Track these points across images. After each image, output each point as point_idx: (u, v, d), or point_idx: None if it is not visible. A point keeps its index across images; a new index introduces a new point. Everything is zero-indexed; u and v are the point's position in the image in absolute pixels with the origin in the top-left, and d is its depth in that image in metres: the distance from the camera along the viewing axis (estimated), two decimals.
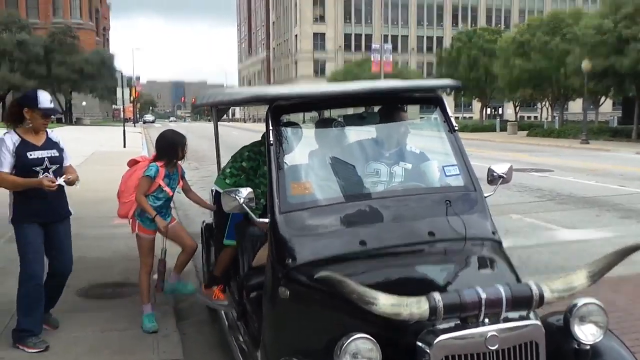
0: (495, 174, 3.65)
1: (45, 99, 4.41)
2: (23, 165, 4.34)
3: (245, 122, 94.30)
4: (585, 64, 30.25)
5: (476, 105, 68.91)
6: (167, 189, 4.75)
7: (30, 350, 4.38)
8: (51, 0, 68.99)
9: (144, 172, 4.67)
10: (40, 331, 4.52)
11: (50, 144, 4.51)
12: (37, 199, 4.38)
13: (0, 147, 4.31)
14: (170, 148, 4.76)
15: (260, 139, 4.49)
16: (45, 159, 4.42)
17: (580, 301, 2.66)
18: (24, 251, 4.44)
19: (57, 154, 4.51)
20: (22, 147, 4.35)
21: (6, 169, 4.30)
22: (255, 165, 4.39)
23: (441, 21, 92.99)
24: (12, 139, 4.35)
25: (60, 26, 62.93)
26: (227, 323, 4.14)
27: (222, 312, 4.32)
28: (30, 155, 4.37)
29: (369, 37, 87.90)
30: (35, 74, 53.27)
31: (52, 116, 4.81)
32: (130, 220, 4.90)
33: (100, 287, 5.93)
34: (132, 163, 5.02)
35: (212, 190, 4.73)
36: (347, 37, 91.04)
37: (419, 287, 2.57)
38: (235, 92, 4.41)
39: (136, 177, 4.76)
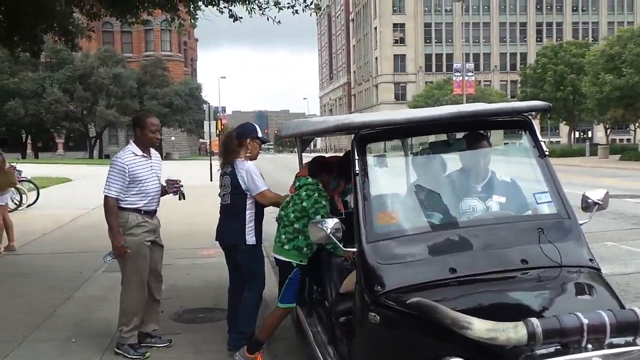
0: (590, 200, 3.53)
1: (259, 129, 4.97)
2: None
3: (327, 152, 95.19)
4: None
5: (563, 128, 66.50)
6: None
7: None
8: (143, 35, 72.47)
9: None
10: None
11: None
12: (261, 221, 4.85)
13: (256, 173, 4.71)
14: None
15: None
16: None
17: None
18: (261, 268, 4.91)
19: None
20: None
21: (268, 186, 4.76)
22: (306, 221, 4.26)
23: (525, 37, 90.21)
24: (254, 164, 4.82)
25: (152, 58, 66.14)
26: (316, 346, 4.19)
27: (312, 336, 4.38)
28: None
29: (449, 57, 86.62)
30: (130, 109, 56.14)
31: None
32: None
33: (193, 312, 6.15)
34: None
35: (274, 259, 4.66)
36: (427, 57, 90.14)
37: (515, 312, 2.54)
38: (319, 122, 4.45)
39: None
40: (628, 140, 66.48)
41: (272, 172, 23.89)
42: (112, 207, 4.76)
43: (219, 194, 5.03)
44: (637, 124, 47.06)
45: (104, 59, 58.30)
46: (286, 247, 4.38)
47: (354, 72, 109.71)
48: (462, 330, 2.35)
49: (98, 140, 62.86)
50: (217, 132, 36.93)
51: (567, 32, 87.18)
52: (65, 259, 9.00)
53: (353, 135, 3.48)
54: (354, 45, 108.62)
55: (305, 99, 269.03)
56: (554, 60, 50.46)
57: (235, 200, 4.79)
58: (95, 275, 7.78)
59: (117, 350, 4.93)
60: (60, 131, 62.93)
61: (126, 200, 4.80)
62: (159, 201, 5.08)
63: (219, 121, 38.72)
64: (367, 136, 3.47)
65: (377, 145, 4.03)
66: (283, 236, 4.41)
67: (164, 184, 5.17)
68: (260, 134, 4.91)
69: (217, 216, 5.12)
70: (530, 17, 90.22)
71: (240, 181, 4.71)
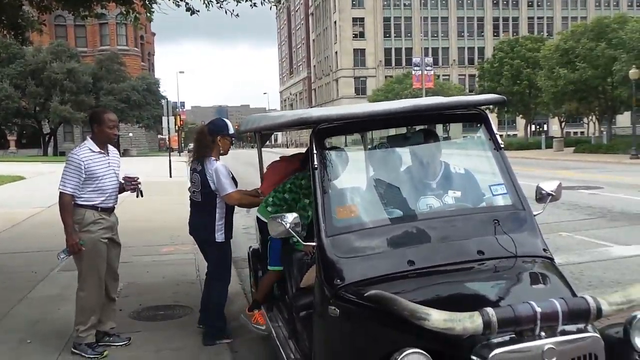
0: (544, 191, 3.60)
1: (230, 125, 5.03)
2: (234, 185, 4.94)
3: (287, 147, 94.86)
4: (633, 72, 29.51)
5: (520, 122, 67.89)
6: None
7: (228, 340, 5.00)
8: (98, 29, 70.89)
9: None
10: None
11: None
12: (232, 218, 5.03)
13: (224, 174, 4.81)
14: None
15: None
16: None
17: None
18: (228, 263, 5.15)
19: None
20: (229, 171, 4.95)
21: (235, 188, 4.87)
22: (297, 197, 4.47)
23: (482, 32, 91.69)
24: (223, 166, 4.89)
25: (107, 53, 64.70)
26: (278, 341, 4.19)
27: (273, 331, 4.38)
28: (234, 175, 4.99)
29: (409, 51, 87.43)
30: (85, 105, 54.80)
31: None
32: None
33: (152, 309, 6.07)
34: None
35: (256, 218, 4.91)
36: (387, 51, 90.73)
37: (471, 303, 2.58)
38: (278, 116, 4.47)
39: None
40: (582, 133, 68.35)
41: (235, 166, 23.72)
42: (66, 204, 4.67)
43: (188, 189, 5.19)
44: (590, 118, 48.34)
45: (57, 53, 56.71)
46: (269, 209, 4.51)
47: (314, 66, 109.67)
48: (420, 321, 2.38)
49: (52, 137, 61.25)
50: (176, 128, 36.46)
51: (523, 27, 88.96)
52: (20, 258, 8.77)
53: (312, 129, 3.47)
54: (313, 40, 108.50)
55: (265, 93, 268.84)
56: (510, 54, 51.43)
57: (205, 199, 4.94)
58: (51, 274, 7.60)
59: (74, 350, 4.83)
60: (12, 128, 61.11)
61: (82, 197, 4.72)
62: (116, 198, 5.00)
63: (178, 117, 38.19)
64: (325, 130, 3.47)
65: (338, 139, 4.04)
66: (271, 199, 4.57)
67: (122, 181, 5.08)
68: (231, 131, 5.00)
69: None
70: (487, 12, 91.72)
71: (209, 181, 4.84)
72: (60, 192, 4.68)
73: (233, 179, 4.97)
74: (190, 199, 5.15)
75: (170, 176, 24.88)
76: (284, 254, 4.42)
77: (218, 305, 5.06)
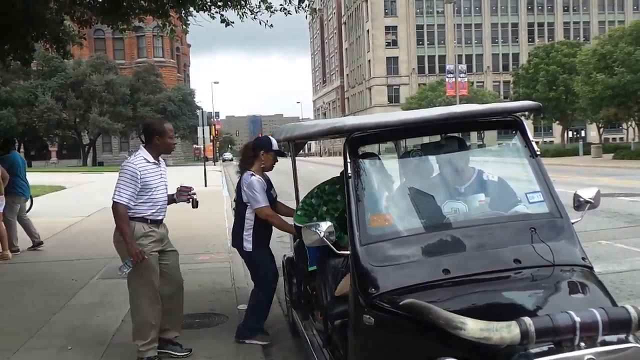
0: (582, 199, 3.55)
1: (275, 142, 5.16)
2: (268, 201, 5.06)
3: (321, 155, 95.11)
4: None
5: (556, 128, 66.73)
6: None
7: (261, 343, 5.16)
8: (135, 41, 72.31)
9: None
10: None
11: None
12: (269, 229, 5.20)
13: (256, 189, 4.98)
14: None
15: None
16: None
17: None
18: (260, 272, 5.21)
19: None
20: (265, 185, 5.08)
21: (267, 203, 5.01)
22: (321, 202, 4.57)
23: (516, 38, 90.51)
24: (258, 180, 5.04)
25: (144, 65, 65.96)
26: (312, 350, 4.19)
27: (308, 339, 4.39)
28: (271, 191, 5.15)
29: (442, 58, 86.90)
30: (123, 116, 55.98)
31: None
32: None
33: (189, 317, 6.11)
34: None
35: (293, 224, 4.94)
36: (420, 59, 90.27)
37: (508, 312, 2.55)
38: (312, 125, 4.48)
39: None
40: (621, 139, 66.75)
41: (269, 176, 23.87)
42: (123, 214, 4.48)
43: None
44: (629, 123, 47.22)
45: (96, 65, 58.16)
46: (299, 212, 4.69)
47: (347, 75, 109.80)
48: (456, 330, 2.37)
49: (91, 148, 62.67)
50: (211, 138, 36.82)
51: (559, 32, 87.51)
52: (60, 266, 8.97)
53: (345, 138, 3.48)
54: (346, 49, 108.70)
55: (298, 102, 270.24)
56: (546, 60, 50.65)
57: (238, 209, 5.24)
58: (91, 282, 7.76)
59: None
60: (53, 139, 62.69)
61: (132, 210, 4.55)
62: (166, 210, 4.88)
63: (213, 126, 38.62)
64: (359, 139, 3.48)
65: (371, 147, 4.05)
66: (301, 204, 4.72)
67: (172, 192, 4.98)
68: (274, 147, 5.14)
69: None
70: (521, 18, 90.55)
71: (242, 193, 5.10)
72: (115, 203, 4.49)
73: (271, 194, 5.13)
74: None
75: (206, 185, 25.16)
76: (320, 259, 4.44)
77: (253, 307, 5.27)
